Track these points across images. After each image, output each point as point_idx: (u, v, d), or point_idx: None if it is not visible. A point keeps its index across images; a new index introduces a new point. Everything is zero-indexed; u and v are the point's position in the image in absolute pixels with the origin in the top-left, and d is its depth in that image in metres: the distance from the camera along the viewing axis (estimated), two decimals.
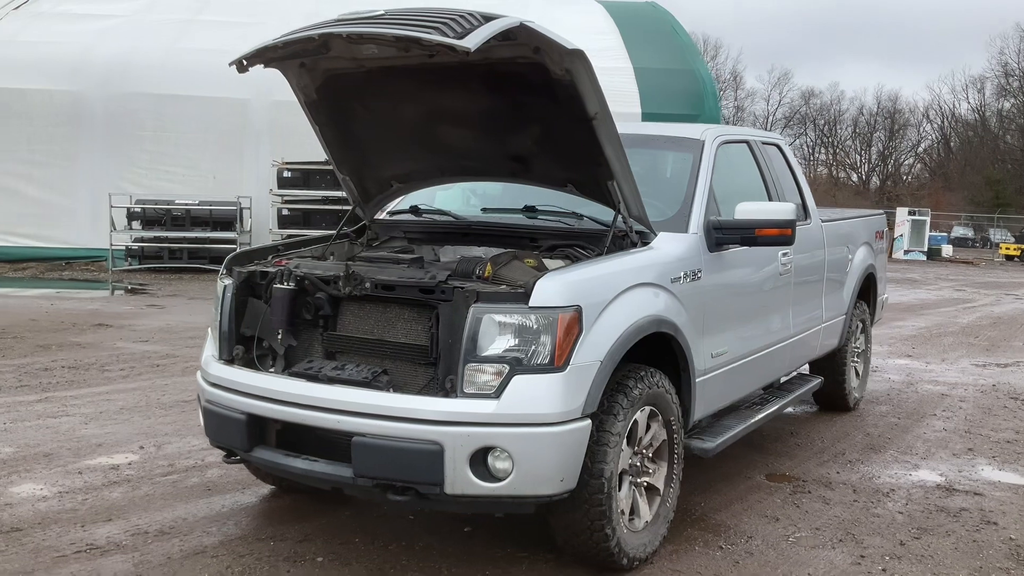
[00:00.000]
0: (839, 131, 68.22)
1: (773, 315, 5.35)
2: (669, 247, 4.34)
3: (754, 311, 5.10)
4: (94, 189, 17.13)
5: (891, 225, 31.58)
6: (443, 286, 3.68)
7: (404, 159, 4.70)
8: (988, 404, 7.53)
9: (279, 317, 4.03)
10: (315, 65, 4.26)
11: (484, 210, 4.89)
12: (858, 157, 68.23)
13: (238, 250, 4.48)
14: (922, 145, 68.07)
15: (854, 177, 67.01)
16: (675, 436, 4.22)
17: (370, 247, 4.85)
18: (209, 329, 4.32)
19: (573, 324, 3.58)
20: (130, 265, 16.83)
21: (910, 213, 32.70)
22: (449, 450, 3.44)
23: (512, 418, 3.47)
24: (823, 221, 6.30)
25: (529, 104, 4.07)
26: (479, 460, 3.48)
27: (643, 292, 4.03)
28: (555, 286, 3.60)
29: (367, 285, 3.85)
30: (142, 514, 4.47)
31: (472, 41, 3.40)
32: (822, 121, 67.85)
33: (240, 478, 4.94)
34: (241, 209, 17.08)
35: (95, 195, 17.00)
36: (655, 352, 4.23)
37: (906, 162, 67.69)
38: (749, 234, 4.59)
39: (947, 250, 34.00)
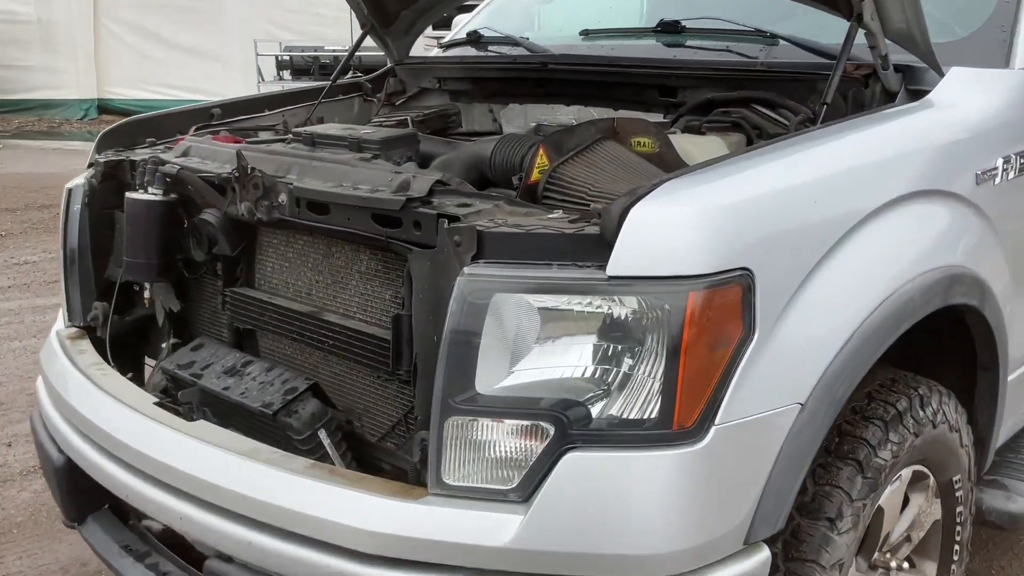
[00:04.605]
0: None
1: None
2: (971, 102, 1.96)
3: None
4: (243, 36, 15.87)
5: None
6: (416, 212, 1.54)
7: None
8: None
9: (140, 253, 2.04)
10: None
11: (585, 34, 2.63)
12: None
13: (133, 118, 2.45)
14: None
15: None
16: (959, 509, 1.98)
17: (390, 106, 2.76)
18: None
19: (730, 315, 1.37)
20: None
21: None
22: None
23: (563, 566, 1.36)
24: None
25: None
26: None
27: (911, 214, 1.73)
28: (680, 219, 1.37)
29: (280, 200, 1.76)
30: None
31: None
32: None
33: None
34: None
35: (245, 43, 15.76)
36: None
37: None
38: None
39: None
